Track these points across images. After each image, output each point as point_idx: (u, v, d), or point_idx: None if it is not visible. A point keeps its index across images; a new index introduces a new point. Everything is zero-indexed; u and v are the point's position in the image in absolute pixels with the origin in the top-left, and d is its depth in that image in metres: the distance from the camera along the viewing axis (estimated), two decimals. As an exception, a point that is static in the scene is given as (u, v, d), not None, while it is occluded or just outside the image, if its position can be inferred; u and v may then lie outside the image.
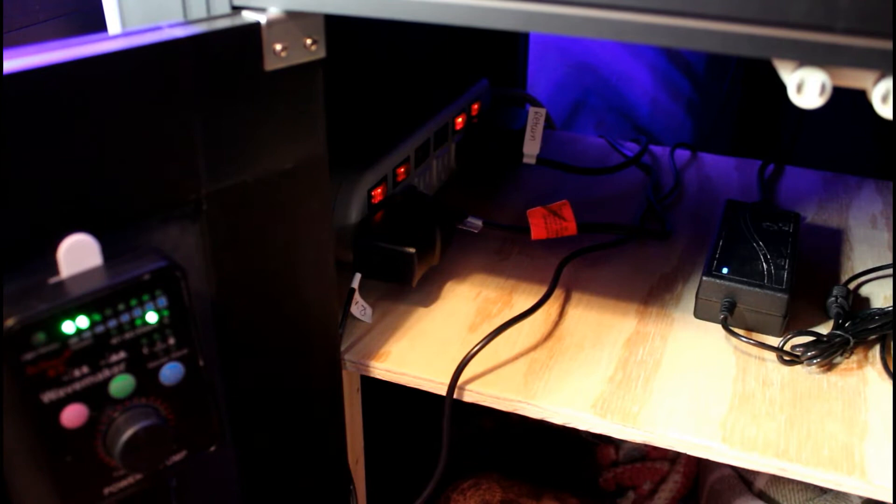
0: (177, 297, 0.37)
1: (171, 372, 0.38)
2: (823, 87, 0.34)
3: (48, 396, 0.34)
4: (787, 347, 0.56)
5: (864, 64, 0.32)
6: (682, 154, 0.89)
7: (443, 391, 0.54)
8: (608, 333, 0.59)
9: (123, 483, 0.38)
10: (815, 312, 0.61)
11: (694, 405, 0.52)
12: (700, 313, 0.61)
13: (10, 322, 0.32)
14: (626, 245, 0.71)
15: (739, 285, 0.58)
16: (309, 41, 0.42)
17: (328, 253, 0.49)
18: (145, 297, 0.36)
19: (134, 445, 0.37)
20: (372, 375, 0.56)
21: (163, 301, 0.36)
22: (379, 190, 0.64)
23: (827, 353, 0.55)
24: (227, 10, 0.41)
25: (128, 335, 0.36)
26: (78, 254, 0.35)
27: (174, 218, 0.40)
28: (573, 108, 1.17)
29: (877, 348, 0.57)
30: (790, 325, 0.59)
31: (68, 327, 0.34)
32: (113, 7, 0.43)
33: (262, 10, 0.40)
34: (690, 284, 0.65)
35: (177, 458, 0.39)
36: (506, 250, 0.70)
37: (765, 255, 0.61)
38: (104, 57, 0.34)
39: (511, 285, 0.65)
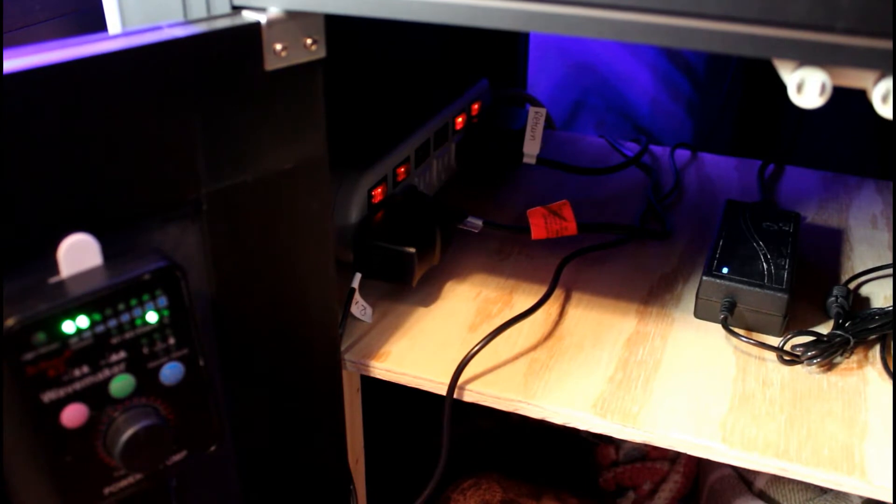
0: (177, 297, 0.37)
1: (171, 372, 0.38)
2: (823, 87, 0.34)
3: (48, 396, 0.34)
4: (787, 347, 0.56)
5: (865, 64, 0.32)
6: (683, 154, 0.89)
7: (443, 391, 0.54)
8: (608, 333, 0.59)
9: (123, 483, 0.38)
10: (815, 312, 0.61)
11: (694, 405, 0.52)
12: (700, 313, 0.61)
13: (10, 322, 0.32)
14: (626, 245, 0.71)
15: (739, 285, 0.58)
16: (309, 41, 0.42)
17: (328, 253, 0.49)
18: (145, 297, 0.36)
19: (134, 445, 0.37)
20: (372, 375, 0.56)
21: (163, 301, 0.36)
22: (379, 190, 0.64)
23: (827, 352, 0.55)
24: (227, 9, 0.41)
25: (128, 335, 0.36)
26: (78, 254, 0.35)
27: (174, 218, 0.40)
28: (573, 108, 1.17)
29: (877, 348, 0.57)
30: (790, 325, 0.59)
31: (68, 327, 0.34)
32: (113, 7, 0.43)
33: (262, 9, 0.40)
34: (690, 284, 0.65)
35: (177, 458, 0.39)
36: (506, 250, 0.70)
37: (765, 255, 0.61)
38: (104, 57, 0.34)
39: (511, 285, 0.65)
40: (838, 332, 0.56)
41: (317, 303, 0.50)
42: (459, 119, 0.78)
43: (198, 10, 0.42)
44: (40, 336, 0.33)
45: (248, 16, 0.40)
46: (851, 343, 0.56)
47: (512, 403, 0.53)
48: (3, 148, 0.32)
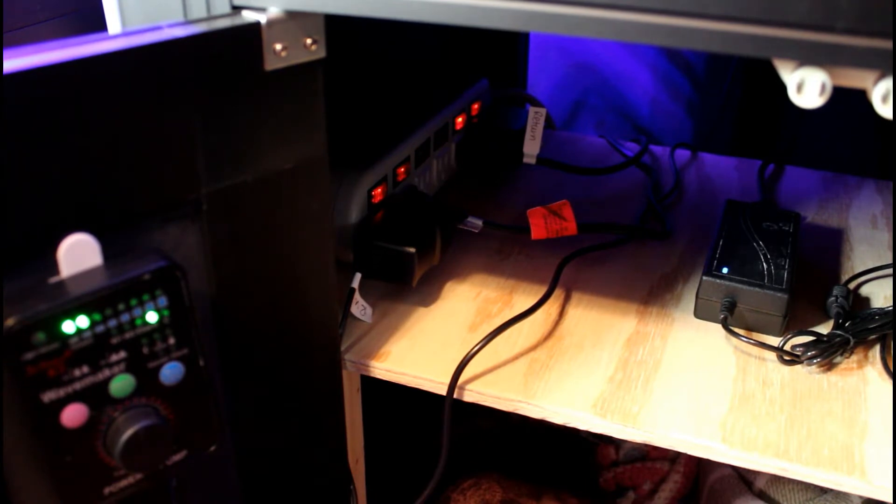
0: (177, 297, 0.37)
1: (171, 372, 0.38)
2: (823, 87, 0.34)
3: (48, 396, 0.34)
4: (787, 347, 0.56)
5: (865, 64, 0.32)
6: (683, 154, 0.89)
7: (443, 391, 0.54)
8: (608, 333, 0.59)
9: (123, 483, 0.38)
10: (815, 312, 0.61)
11: (694, 405, 0.52)
12: (700, 313, 0.61)
13: (10, 322, 0.32)
14: (626, 245, 0.71)
15: (739, 285, 0.58)
16: (309, 41, 0.42)
17: (328, 253, 0.49)
18: (145, 297, 0.36)
19: (134, 445, 0.37)
20: (372, 375, 0.56)
21: (163, 301, 0.36)
22: (379, 190, 0.64)
23: (827, 352, 0.55)
24: (227, 9, 0.41)
25: (128, 335, 0.36)
26: (78, 254, 0.35)
27: (174, 218, 0.40)
28: (573, 108, 1.17)
29: (877, 348, 0.57)
30: (790, 325, 0.59)
31: (68, 327, 0.34)
32: (113, 7, 0.43)
33: (262, 9, 0.40)
34: (690, 284, 0.65)
35: (177, 457, 0.39)
36: (506, 250, 0.70)
37: (765, 255, 0.61)
38: (104, 57, 0.34)
39: (511, 285, 0.65)
40: (838, 332, 0.56)
41: (317, 303, 0.50)
42: (459, 119, 0.78)
43: (198, 10, 0.42)
44: (40, 336, 0.33)
45: (248, 16, 0.40)
46: (851, 343, 0.56)
47: (512, 403, 0.53)
48: (3, 148, 0.32)
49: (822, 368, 0.56)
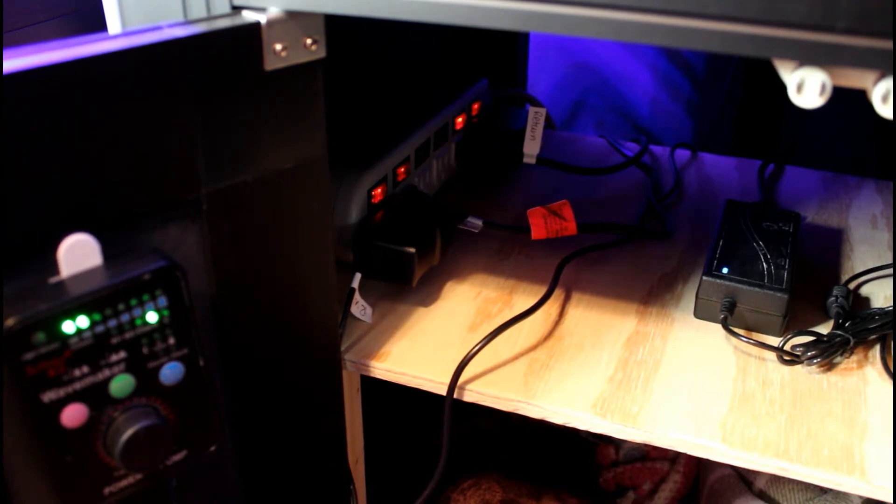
0: (177, 297, 0.37)
1: (171, 372, 0.38)
2: (823, 87, 0.34)
3: (48, 396, 0.34)
4: (787, 347, 0.56)
5: (864, 64, 0.32)
6: (683, 154, 0.89)
7: (443, 391, 0.54)
8: (608, 333, 0.59)
9: (123, 483, 0.38)
10: (815, 312, 0.61)
11: (694, 405, 0.52)
12: (700, 313, 0.61)
13: (10, 322, 0.32)
14: (626, 245, 0.71)
15: (739, 285, 0.58)
16: (309, 41, 0.42)
17: (328, 253, 0.49)
18: (145, 297, 0.36)
19: (134, 445, 0.37)
20: (372, 375, 0.56)
21: (163, 301, 0.36)
22: (379, 190, 0.64)
23: (827, 352, 0.55)
24: (227, 9, 0.41)
25: (128, 335, 0.36)
26: (78, 254, 0.35)
27: (174, 218, 0.40)
28: (573, 108, 1.17)
29: (877, 348, 0.57)
30: (790, 325, 0.59)
31: (68, 327, 0.34)
32: (113, 7, 0.43)
33: (262, 9, 0.40)
34: (690, 284, 0.65)
35: (177, 458, 0.39)
36: (506, 250, 0.70)
37: (765, 255, 0.61)
38: (104, 57, 0.34)
39: (511, 285, 0.65)
40: (838, 332, 0.56)
41: (317, 303, 0.50)
42: (459, 119, 0.78)
43: (198, 10, 0.42)
44: (40, 336, 0.33)
45: (248, 16, 0.40)
46: (851, 343, 0.56)
47: (512, 403, 0.53)
48: (3, 148, 0.32)
49: (822, 368, 0.56)
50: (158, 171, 0.38)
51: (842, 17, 0.32)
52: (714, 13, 0.34)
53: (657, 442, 0.50)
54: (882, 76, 0.33)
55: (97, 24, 0.43)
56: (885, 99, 0.33)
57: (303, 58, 0.42)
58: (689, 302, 0.62)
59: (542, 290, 0.62)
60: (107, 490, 0.37)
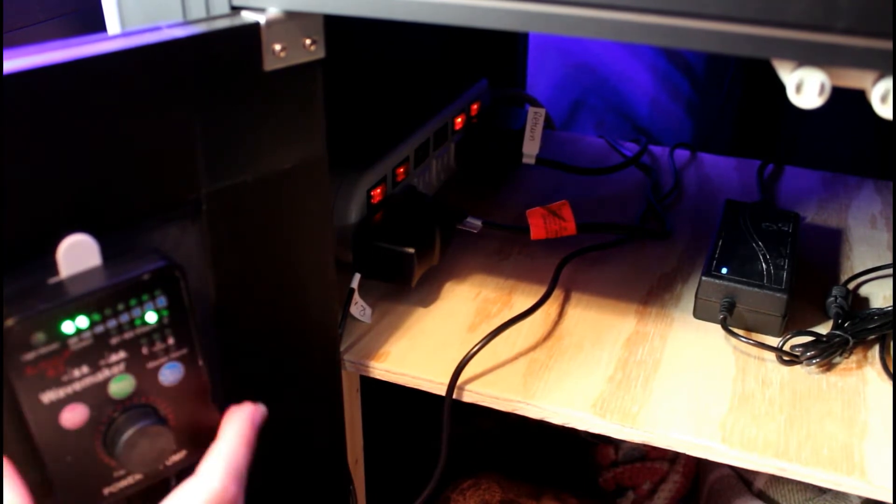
0: (176, 297, 0.37)
1: (170, 372, 0.38)
2: (822, 88, 0.34)
3: (48, 396, 0.34)
4: (786, 347, 0.56)
5: (863, 64, 0.32)
6: (682, 154, 0.89)
7: (442, 391, 0.54)
8: (608, 333, 0.59)
9: (123, 483, 0.38)
10: (814, 312, 0.61)
11: (693, 405, 0.52)
12: (699, 313, 0.61)
13: (10, 322, 0.32)
14: (626, 245, 0.71)
15: (739, 285, 0.58)
16: (308, 41, 0.42)
17: (328, 253, 0.49)
18: (145, 297, 0.36)
19: (134, 445, 0.37)
20: (371, 375, 0.56)
21: (162, 301, 0.36)
22: (378, 190, 0.64)
23: (826, 353, 0.55)
24: (226, 10, 0.41)
25: (127, 335, 0.36)
26: (77, 254, 0.35)
27: (174, 218, 0.40)
28: (573, 109, 1.17)
29: (876, 348, 0.57)
30: (789, 325, 0.59)
31: (68, 327, 0.34)
32: (112, 7, 0.43)
33: (261, 10, 0.40)
34: (690, 284, 0.65)
35: (177, 458, 0.39)
36: (505, 250, 0.70)
37: (764, 256, 0.61)
38: (103, 57, 0.34)
39: (510, 285, 0.65)
40: (837, 332, 0.56)
41: (316, 303, 0.50)
42: (459, 119, 0.78)
43: (197, 11, 0.42)
44: (40, 336, 0.33)
45: (248, 16, 0.40)
46: (851, 343, 0.56)
47: (511, 403, 0.53)
48: (3, 148, 0.32)
49: (821, 368, 0.56)
50: (158, 171, 0.38)
51: (841, 18, 0.32)
52: (713, 13, 0.34)
53: (656, 442, 0.50)
54: (881, 76, 0.33)
55: (97, 24, 0.43)
56: (884, 99, 0.33)
57: (302, 58, 0.42)
58: (688, 302, 0.62)
59: (542, 291, 0.62)
60: (106, 490, 0.37)
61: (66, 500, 0.36)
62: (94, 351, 0.35)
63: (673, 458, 0.84)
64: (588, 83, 1.15)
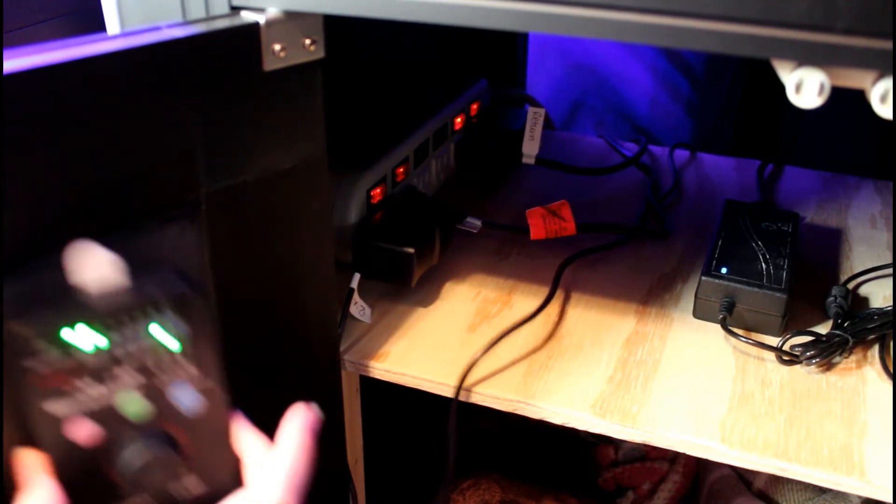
0: (193, 321, 0.36)
1: (187, 398, 0.37)
2: (822, 87, 0.34)
3: (55, 408, 0.34)
4: (786, 347, 0.56)
5: (863, 64, 0.32)
6: (682, 154, 0.89)
7: (441, 391, 0.54)
8: (607, 333, 0.59)
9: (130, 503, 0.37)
10: (814, 312, 0.61)
11: (693, 405, 0.52)
12: (699, 313, 0.61)
13: (18, 329, 0.32)
14: (626, 245, 0.71)
15: (738, 285, 0.58)
16: (308, 41, 0.42)
17: (327, 253, 0.49)
18: (160, 318, 0.35)
19: (141, 467, 0.36)
20: (371, 375, 0.56)
21: (178, 324, 0.35)
22: (378, 190, 0.64)
23: (826, 352, 0.55)
24: (225, 10, 0.41)
25: (140, 356, 0.35)
26: (91, 264, 0.34)
27: (173, 218, 0.40)
28: (572, 109, 1.17)
29: (876, 348, 0.57)
30: (789, 325, 0.59)
31: (80, 340, 0.33)
32: (112, 7, 0.43)
33: (260, 10, 0.40)
34: (689, 284, 0.65)
35: (189, 486, 0.38)
36: (505, 250, 0.70)
37: (764, 255, 0.61)
38: (103, 57, 0.34)
39: (510, 285, 0.65)
40: (837, 331, 0.56)
41: (316, 303, 0.50)
42: (458, 119, 0.78)
43: (196, 11, 0.42)
44: (49, 347, 0.33)
45: (247, 16, 0.40)
46: (850, 343, 0.56)
47: (511, 404, 0.53)
48: (2, 148, 0.32)
49: (821, 368, 0.56)
50: (157, 171, 0.38)
51: (840, 18, 0.32)
52: (713, 13, 0.34)
53: (656, 442, 0.50)
54: (880, 76, 0.33)
55: (97, 24, 0.43)
56: (883, 99, 0.33)
57: (301, 58, 0.42)
58: (688, 302, 0.62)
59: (542, 291, 0.62)
60: None
61: None
62: (104, 368, 0.34)
63: (673, 458, 0.84)
64: (588, 83, 1.15)
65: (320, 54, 0.43)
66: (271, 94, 0.42)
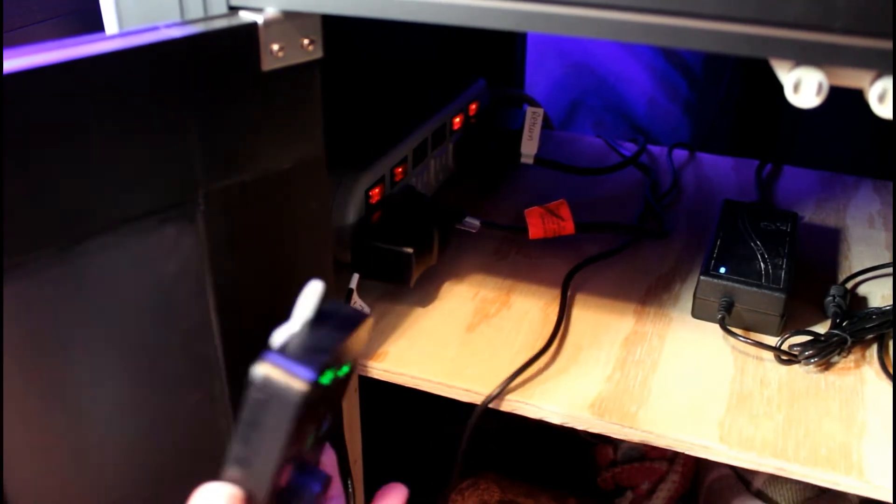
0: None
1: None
2: (820, 87, 0.34)
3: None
4: (784, 347, 0.56)
5: (861, 63, 0.32)
6: (680, 154, 0.89)
7: (441, 391, 0.54)
8: (606, 333, 0.59)
9: None
10: (812, 312, 0.61)
11: (692, 405, 0.52)
12: (698, 313, 0.61)
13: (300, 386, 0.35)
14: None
15: (737, 285, 0.58)
16: (306, 41, 0.42)
17: (327, 253, 0.49)
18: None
19: None
20: (370, 375, 0.56)
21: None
22: (377, 190, 0.64)
23: (824, 352, 0.55)
24: (224, 10, 0.41)
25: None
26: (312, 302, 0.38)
27: (172, 219, 0.40)
28: (571, 108, 1.18)
29: (874, 348, 0.57)
30: (788, 325, 0.59)
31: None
32: (110, 7, 0.43)
33: (259, 10, 0.40)
34: (688, 284, 0.65)
35: None
36: (504, 250, 0.70)
37: (762, 255, 0.61)
38: (102, 57, 0.34)
39: (509, 285, 0.65)
40: (836, 331, 0.56)
41: (315, 303, 0.50)
42: (457, 119, 0.78)
43: (195, 11, 0.42)
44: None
45: (245, 16, 0.40)
46: (849, 342, 0.56)
47: (510, 404, 0.53)
48: (2, 148, 0.32)
49: (819, 368, 0.56)
50: (156, 171, 0.38)
51: (839, 17, 0.32)
52: (711, 13, 0.34)
53: (655, 442, 0.50)
54: (879, 76, 0.33)
55: (95, 24, 0.43)
56: (881, 98, 0.33)
57: (300, 58, 0.42)
58: (686, 302, 0.62)
59: (541, 290, 0.62)
60: None
61: None
62: (312, 412, 0.37)
63: (672, 457, 0.84)
64: (586, 83, 1.15)
65: (319, 54, 0.43)
66: (269, 94, 0.42)
